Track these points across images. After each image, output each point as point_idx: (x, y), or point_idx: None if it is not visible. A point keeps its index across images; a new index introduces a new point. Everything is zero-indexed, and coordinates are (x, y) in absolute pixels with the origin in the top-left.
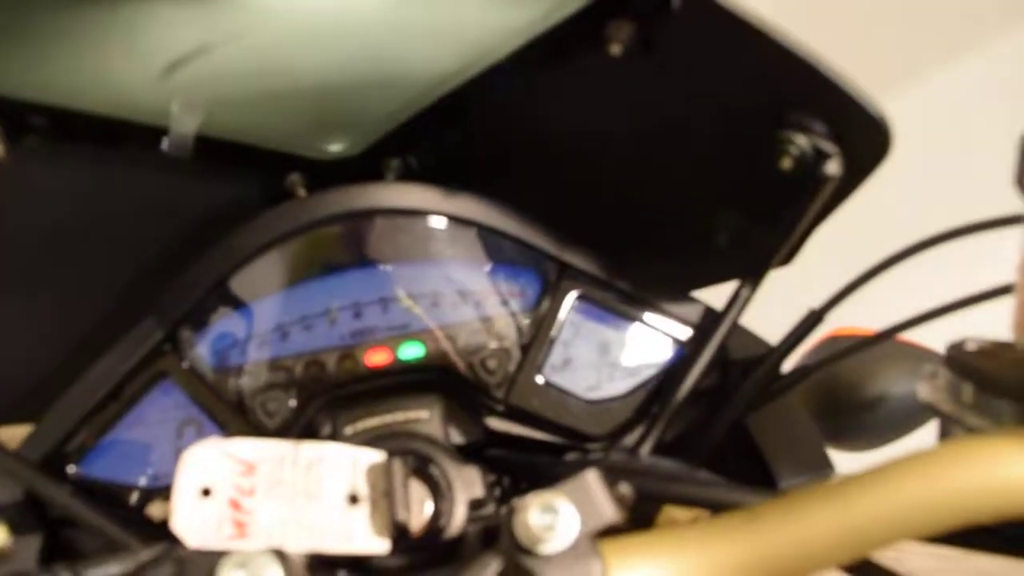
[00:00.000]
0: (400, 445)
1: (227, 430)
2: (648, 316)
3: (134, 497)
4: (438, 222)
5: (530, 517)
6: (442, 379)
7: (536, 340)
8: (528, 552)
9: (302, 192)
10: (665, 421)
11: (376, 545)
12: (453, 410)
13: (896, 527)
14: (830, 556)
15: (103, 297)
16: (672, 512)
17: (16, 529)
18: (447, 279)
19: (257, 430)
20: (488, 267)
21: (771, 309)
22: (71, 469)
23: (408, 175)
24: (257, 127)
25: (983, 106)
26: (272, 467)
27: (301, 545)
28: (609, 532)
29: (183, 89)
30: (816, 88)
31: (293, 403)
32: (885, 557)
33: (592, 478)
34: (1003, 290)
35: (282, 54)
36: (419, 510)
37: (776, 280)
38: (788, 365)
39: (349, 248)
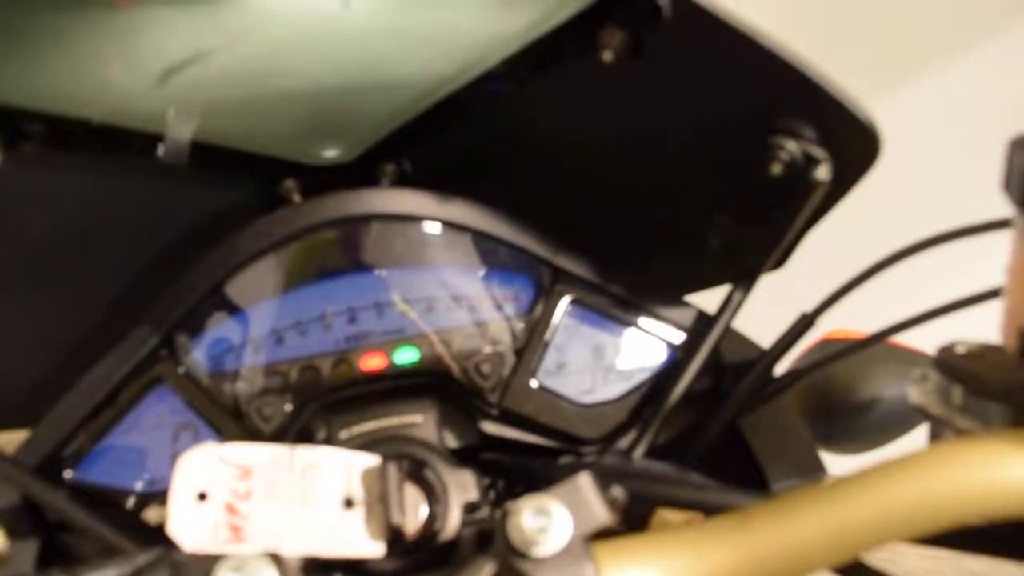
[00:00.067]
0: (395, 449)
1: (223, 435)
2: (641, 320)
3: (130, 502)
4: (433, 227)
5: (523, 520)
6: (437, 383)
7: (530, 344)
8: (521, 555)
9: (297, 198)
10: (658, 424)
11: (371, 549)
12: (448, 414)
13: (887, 529)
14: (822, 558)
15: (99, 303)
16: (665, 515)
17: (13, 534)
18: (442, 284)
19: (253, 435)
20: (482, 272)
21: (763, 313)
22: (68, 474)
23: (403, 180)
24: (252, 133)
25: (972, 111)
26: (268, 471)
27: (297, 549)
28: (602, 535)
29: (179, 95)
30: (806, 94)
31: (288, 408)
32: (877, 558)
33: (585, 481)
34: (992, 293)
35: (277, 60)
36: (414, 514)
37: (768, 284)
38: (780, 368)
39: (344, 253)
